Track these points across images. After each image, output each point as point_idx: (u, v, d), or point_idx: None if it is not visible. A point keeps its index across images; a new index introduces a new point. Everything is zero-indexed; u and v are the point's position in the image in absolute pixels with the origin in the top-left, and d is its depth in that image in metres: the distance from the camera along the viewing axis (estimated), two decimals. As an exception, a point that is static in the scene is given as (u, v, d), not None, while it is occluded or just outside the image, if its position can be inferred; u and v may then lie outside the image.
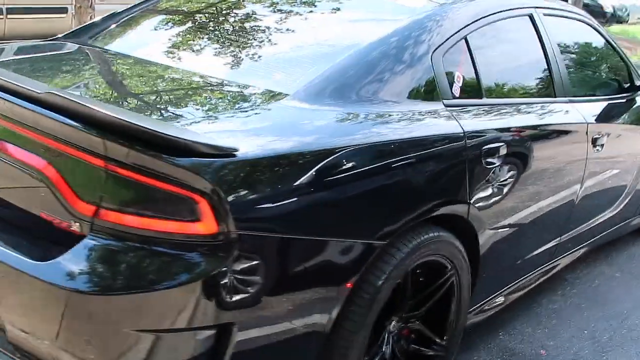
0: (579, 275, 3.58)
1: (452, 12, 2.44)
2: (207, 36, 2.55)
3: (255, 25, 2.52)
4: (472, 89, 2.40)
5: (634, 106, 3.49)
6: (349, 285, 1.86)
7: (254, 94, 2.02)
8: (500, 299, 2.76)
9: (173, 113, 1.93)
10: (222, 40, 2.48)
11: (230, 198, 1.57)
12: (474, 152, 2.21)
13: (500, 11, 2.66)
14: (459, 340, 2.43)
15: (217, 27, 2.60)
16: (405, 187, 1.98)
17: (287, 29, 2.47)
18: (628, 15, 20.76)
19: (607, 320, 3.12)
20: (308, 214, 1.72)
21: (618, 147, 3.34)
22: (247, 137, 1.72)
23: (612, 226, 3.65)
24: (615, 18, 19.87)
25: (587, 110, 3.04)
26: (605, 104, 3.28)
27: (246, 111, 1.91)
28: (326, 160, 1.75)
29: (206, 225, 1.58)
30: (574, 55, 3.23)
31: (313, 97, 1.94)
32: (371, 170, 1.86)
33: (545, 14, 2.91)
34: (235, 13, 2.68)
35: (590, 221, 3.32)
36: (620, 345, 2.91)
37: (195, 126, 1.75)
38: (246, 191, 1.61)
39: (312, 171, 1.71)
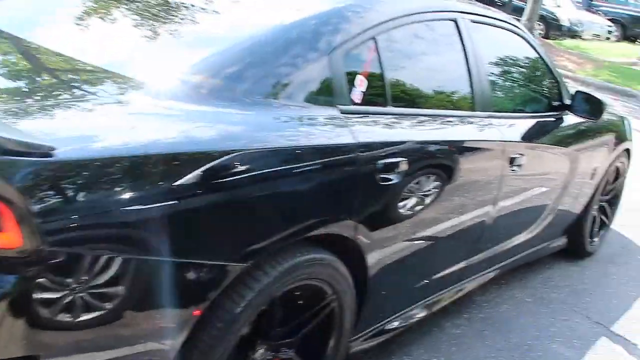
0: (488, 298, 3.41)
1: (364, 8, 2.18)
2: (86, 15, 2.23)
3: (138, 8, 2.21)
4: (376, 96, 2.16)
5: (561, 125, 3.33)
6: (196, 312, 1.60)
7: (111, 84, 1.73)
8: (395, 323, 2.55)
9: None
10: (104, 21, 2.17)
11: (39, 206, 1.29)
12: (367, 166, 1.97)
13: (421, 12, 2.43)
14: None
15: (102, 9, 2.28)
16: (276, 202, 1.73)
17: (176, 15, 2.18)
18: (582, 31, 21.03)
19: (509, 350, 2.95)
20: (141, 229, 1.44)
21: (540, 167, 3.17)
22: (78, 135, 1.44)
23: (529, 248, 3.50)
24: (570, 32, 20.08)
25: (509, 127, 2.85)
26: (531, 121, 3.11)
27: (91, 105, 1.63)
28: (168, 167, 1.47)
29: (8, 237, 1.29)
30: (500, 68, 3.03)
31: (175, 94, 1.67)
32: (228, 182, 1.58)
33: (472, 21, 2.69)
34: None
35: (505, 242, 3.15)
36: (517, 381, 2.75)
37: (16, 119, 1.45)
38: (61, 198, 1.32)
39: (149, 179, 1.44)
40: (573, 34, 20.21)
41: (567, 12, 19.87)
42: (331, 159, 1.86)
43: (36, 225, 1.28)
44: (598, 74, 12.62)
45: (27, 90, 1.69)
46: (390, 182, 2.06)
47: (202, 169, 1.52)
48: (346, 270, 2.05)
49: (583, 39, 20.69)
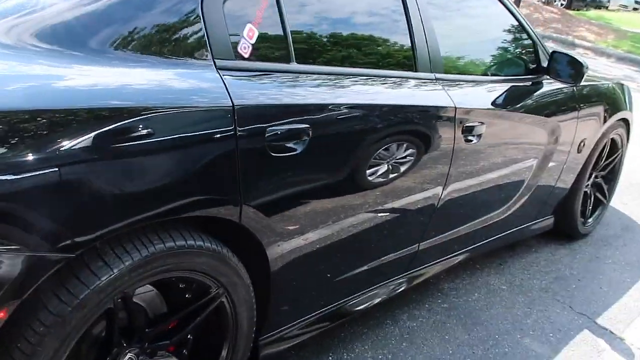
0: (457, 286, 3.05)
1: None
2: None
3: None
4: (274, 50, 1.80)
5: (537, 91, 2.92)
6: (1, 314, 1.28)
7: None
8: (315, 322, 2.18)
9: None
10: None
11: None
12: (250, 134, 1.62)
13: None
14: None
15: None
16: (119, 178, 1.39)
17: None
18: (609, 1, 20.21)
19: (471, 346, 2.59)
20: None
21: (509, 138, 2.77)
22: None
23: (503, 230, 3.12)
24: (595, 3, 19.31)
25: (465, 91, 2.46)
26: (496, 85, 2.71)
27: None
28: None
29: None
30: (456, 25, 2.63)
31: None
32: (51, 150, 1.26)
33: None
34: None
35: (466, 225, 2.77)
36: (473, 382, 2.40)
37: None
38: None
39: None
40: (598, 4, 19.45)
41: (592, -18, 19.17)
42: (196, 125, 1.51)
43: None
44: (619, 45, 11.98)
45: None
46: (289, 154, 1.71)
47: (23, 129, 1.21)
48: (236, 261, 1.72)
49: (609, 9, 19.92)
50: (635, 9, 21.74)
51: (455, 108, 2.31)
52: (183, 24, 1.59)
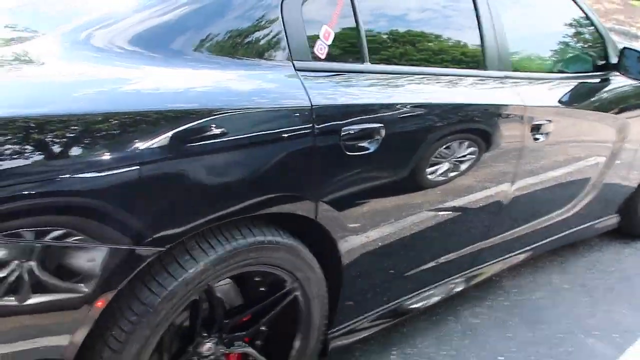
0: (520, 284, 3.04)
1: None
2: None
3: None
4: (349, 51, 1.84)
5: (606, 87, 2.88)
6: (99, 304, 1.37)
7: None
8: (380, 317, 2.22)
9: None
10: None
11: None
12: (327, 133, 1.66)
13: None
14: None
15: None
16: (205, 176, 1.45)
17: None
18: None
19: (534, 345, 2.58)
20: (28, 210, 1.22)
21: (576, 136, 2.74)
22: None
23: (567, 229, 3.09)
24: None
25: (533, 89, 2.45)
26: (564, 82, 2.68)
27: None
28: (69, 128, 1.24)
29: None
30: (526, 22, 2.61)
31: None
32: (142, 151, 1.33)
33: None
34: None
35: (532, 223, 2.76)
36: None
37: None
38: None
39: (41, 143, 1.21)
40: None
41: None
42: (273, 124, 1.56)
43: None
44: (686, 37, 11.54)
45: None
46: (363, 153, 1.75)
47: (117, 133, 1.31)
48: (310, 256, 1.77)
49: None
50: (701, -3, 20.82)
51: (525, 107, 2.31)
52: (264, 26, 1.64)
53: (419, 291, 2.33)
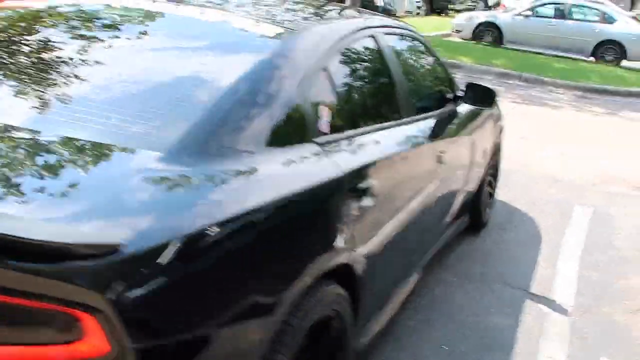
0: (423, 284, 3.63)
1: (305, 41, 2.23)
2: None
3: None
4: (338, 123, 2.23)
5: (461, 116, 3.60)
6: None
7: (109, 153, 1.62)
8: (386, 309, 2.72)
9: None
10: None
11: (119, 306, 1.22)
12: (349, 191, 2.06)
13: (347, 35, 2.50)
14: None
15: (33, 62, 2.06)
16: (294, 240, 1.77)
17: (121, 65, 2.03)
18: (396, 9, 22.44)
19: (461, 329, 3.18)
20: (203, 305, 1.42)
21: (456, 157, 3.43)
22: (119, 219, 1.36)
23: (450, 231, 3.77)
24: (386, 11, 21.34)
25: (428, 127, 3.05)
26: (439, 118, 3.33)
27: (104, 181, 1.51)
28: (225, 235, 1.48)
29: (94, 345, 1.22)
30: (411, 74, 3.22)
31: (184, 158, 1.61)
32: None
33: (384, 33, 2.83)
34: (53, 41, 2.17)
35: (435, 230, 3.38)
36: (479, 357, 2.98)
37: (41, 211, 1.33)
38: (139, 293, 1.26)
39: (211, 252, 1.44)
40: (388, 12, 21.47)
41: (379, -8, 21.08)
42: (325, 192, 1.92)
43: (121, 326, 1.22)
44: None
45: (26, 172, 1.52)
46: (364, 201, 2.17)
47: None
48: (343, 290, 2.09)
49: (397, 16, 22.06)
50: (417, 13, 24.37)
51: (432, 142, 2.90)
52: (293, 115, 1.95)
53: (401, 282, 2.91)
